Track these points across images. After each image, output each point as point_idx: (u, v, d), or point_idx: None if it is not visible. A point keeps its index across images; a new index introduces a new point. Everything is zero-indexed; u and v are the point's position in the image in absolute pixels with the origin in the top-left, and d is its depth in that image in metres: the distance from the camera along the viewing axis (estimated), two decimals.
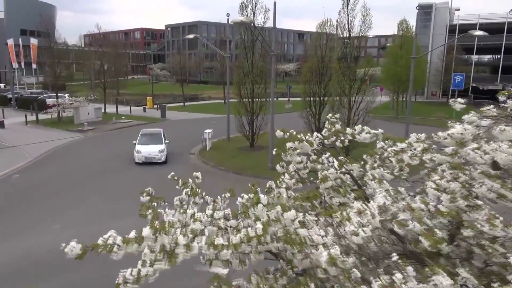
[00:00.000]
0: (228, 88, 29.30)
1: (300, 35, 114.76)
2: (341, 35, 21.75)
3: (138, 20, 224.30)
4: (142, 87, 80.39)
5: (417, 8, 65.31)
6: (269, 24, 24.78)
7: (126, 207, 15.73)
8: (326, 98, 27.30)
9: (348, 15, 21.31)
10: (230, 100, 29.21)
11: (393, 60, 39.28)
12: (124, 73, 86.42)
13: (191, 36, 27.43)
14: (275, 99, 25.74)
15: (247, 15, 24.13)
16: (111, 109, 44.43)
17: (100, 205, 16.23)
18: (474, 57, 64.83)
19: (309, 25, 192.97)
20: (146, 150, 22.61)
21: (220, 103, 55.59)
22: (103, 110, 41.82)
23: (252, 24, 17.50)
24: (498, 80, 60.02)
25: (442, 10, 63.42)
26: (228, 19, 28.37)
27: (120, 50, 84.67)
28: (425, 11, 66.56)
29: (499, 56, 74.40)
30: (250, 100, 25.10)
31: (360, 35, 21.42)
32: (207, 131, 26.12)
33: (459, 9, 68.41)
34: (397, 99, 40.62)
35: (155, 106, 48.36)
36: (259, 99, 25.12)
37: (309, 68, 27.15)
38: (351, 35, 21.58)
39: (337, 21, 21.50)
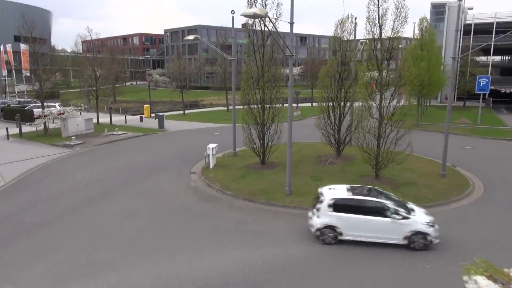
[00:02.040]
0: (234, 95, 25.70)
1: (303, 38, 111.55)
2: (371, 32, 18.17)
3: (137, 26, 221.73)
4: (140, 94, 77.07)
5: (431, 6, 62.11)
6: (281, 21, 21.29)
7: (107, 256, 12.05)
8: (347, 105, 23.73)
9: (379, 7, 17.74)
10: (236, 107, 25.62)
11: (413, 62, 35.66)
12: (121, 79, 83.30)
13: (191, 37, 23.85)
14: (281, 105, 22.02)
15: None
16: (104, 119, 40.86)
17: (73, 256, 12.52)
18: (491, 58, 61.29)
19: (311, 29, 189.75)
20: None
21: (223, 111, 52.09)
22: (95, 121, 38.26)
23: (267, 17, 13.88)
24: None
25: (455, 9, 59.86)
26: (233, 17, 24.91)
27: (117, 55, 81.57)
28: (437, 11, 63.24)
29: (509, 57, 71.14)
30: (260, 108, 21.46)
31: (393, 32, 17.82)
32: (211, 146, 22.49)
33: (472, 8, 64.94)
34: (417, 104, 37.10)
35: (152, 115, 44.83)
36: (271, 106, 21.49)
37: (327, 72, 23.60)
38: (382, 32, 18.00)
39: (367, 15, 17.91)
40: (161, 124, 37.25)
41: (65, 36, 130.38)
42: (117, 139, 31.95)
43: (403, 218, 12.63)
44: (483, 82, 39.16)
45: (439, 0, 61.62)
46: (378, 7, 17.83)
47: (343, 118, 23.81)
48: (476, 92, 40.08)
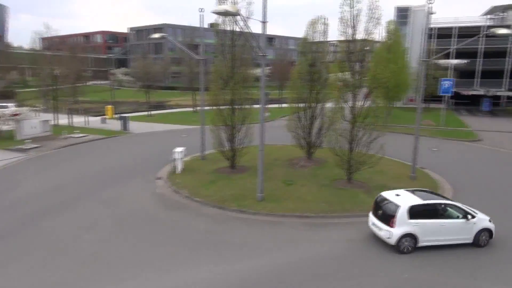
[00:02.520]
0: (203, 96, 24.74)
1: (270, 39, 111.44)
2: (344, 33, 17.78)
3: (101, 24, 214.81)
4: (103, 94, 74.20)
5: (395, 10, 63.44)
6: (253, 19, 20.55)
7: (61, 278, 10.83)
8: (318, 108, 23.35)
9: (352, 8, 17.37)
10: (204, 108, 24.68)
11: (376, 64, 35.99)
12: (83, 78, 79.86)
13: (157, 35, 22.74)
14: (249, 106, 21.20)
15: None
16: (64, 120, 38.65)
17: (23, 277, 11.24)
18: (453, 61, 63.30)
19: (277, 30, 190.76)
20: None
21: (190, 112, 50.85)
22: (53, 122, 36.07)
23: (239, 15, 13.11)
24: (477, 85, 58.60)
25: (419, 13, 61.61)
26: (201, 16, 23.89)
27: (78, 53, 78.15)
28: (401, 14, 64.75)
29: (465, 61, 73.98)
30: (230, 109, 20.63)
31: (366, 34, 17.52)
32: (178, 150, 21.44)
33: (435, 13, 66.81)
34: (384, 106, 37.52)
35: (116, 116, 42.92)
36: (241, 107, 20.71)
37: (298, 73, 23.17)
38: (356, 33, 17.67)
39: (340, 16, 17.51)
40: (125, 126, 35.62)
41: (25, 33, 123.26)
42: (77, 142, 30.14)
43: (473, 217, 12.94)
44: (446, 85, 40.14)
45: (403, 4, 63.08)
46: (351, 8, 17.47)
47: (314, 121, 23.44)
48: (440, 94, 41.01)
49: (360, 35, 17.77)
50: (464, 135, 34.84)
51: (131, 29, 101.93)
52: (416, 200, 12.90)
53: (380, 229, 12.85)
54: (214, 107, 21.15)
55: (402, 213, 12.38)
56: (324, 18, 22.67)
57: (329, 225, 14.65)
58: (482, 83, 58.49)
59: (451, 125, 40.11)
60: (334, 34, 22.21)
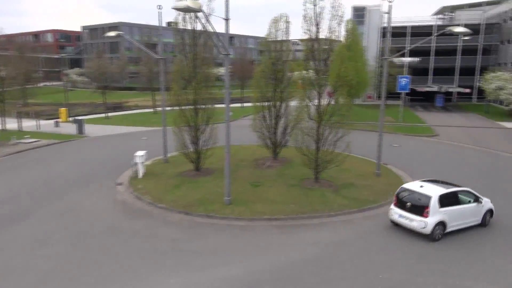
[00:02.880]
0: (164, 96, 23.79)
1: (229, 38, 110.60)
2: (308, 31, 17.58)
3: (52, 23, 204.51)
4: (56, 96, 70.68)
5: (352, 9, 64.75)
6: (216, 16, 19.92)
7: None
8: (283, 107, 23.10)
9: (315, 5, 17.19)
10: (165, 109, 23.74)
11: (341, 63, 36.41)
12: (33, 80, 75.62)
13: (112, 33, 21.47)
14: (212, 106, 20.55)
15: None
16: (12, 124, 36.11)
17: None
18: (407, 59, 65.55)
19: (236, 29, 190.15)
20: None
21: (150, 113, 49.25)
22: (0, 127, 33.57)
23: (201, 12, 12.47)
24: (430, 82, 61.02)
25: (374, 13, 63.31)
26: (159, 13, 22.93)
27: (27, 53, 73.78)
28: (357, 14, 66.18)
29: (418, 59, 77.08)
30: (193, 109, 19.88)
31: (330, 31, 17.42)
32: (139, 153, 20.41)
33: (387, 13, 69.03)
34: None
35: (70, 119, 40.70)
36: (205, 107, 20.03)
37: (262, 72, 22.80)
38: (319, 31, 17.51)
39: (303, 13, 17.27)
40: (80, 130, 33.75)
41: None
42: (27, 148, 28.16)
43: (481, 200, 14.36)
44: (403, 82, 41.31)
45: (359, 3, 64.48)
46: (314, 6, 17.28)
47: (279, 120, 23.16)
48: (397, 91, 42.15)
49: (323, 33, 17.66)
50: (422, 130, 35.96)
51: (85, 27, 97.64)
52: (441, 189, 13.69)
53: (412, 220, 13.35)
54: (176, 108, 20.34)
55: (434, 203, 13.08)
56: (286, 16, 22.46)
57: (300, 227, 14.34)
58: (434, 80, 61.00)
59: (409, 121, 41.32)
60: (296, 33, 22.09)
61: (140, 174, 20.37)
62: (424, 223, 13.01)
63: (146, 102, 59.62)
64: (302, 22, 17.58)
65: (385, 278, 10.86)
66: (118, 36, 21.74)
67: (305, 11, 17.49)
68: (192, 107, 20.01)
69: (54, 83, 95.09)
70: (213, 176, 20.11)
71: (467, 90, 53.66)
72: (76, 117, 37.57)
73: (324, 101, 18.18)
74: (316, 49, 17.83)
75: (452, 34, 18.80)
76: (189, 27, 19.19)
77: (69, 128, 35.90)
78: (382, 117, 21.34)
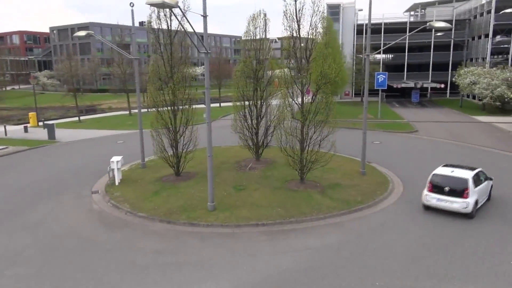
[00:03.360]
0: (139, 98, 22.76)
1: (202, 36, 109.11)
2: (289, 27, 17.04)
3: (18, 23, 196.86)
4: (24, 100, 67.78)
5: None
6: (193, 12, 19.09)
7: None
8: (264, 107, 22.51)
9: (296, 1, 16.66)
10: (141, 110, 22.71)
11: (324, 60, 36.16)
12: (0, 83, 72.42)
13: (82, 33, 20.26)
14: (191, 106, 19.61)
15: None
16: None
17: None
18: (382, 56, 66.27)
19: (211, 28, 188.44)
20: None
21: (125, 115, 47.73)
22: None
23: (177, 8, 11.66)
24: (405, 78, 61.80)
25: (349, 10, 63.57)
26: (132, 11, 21.85)
27: None
28: (332, 11, 66.32)
29: (391, 56, 78.21)
30: (171, 112, 18.98)
31: (312, 28, 16.96)
32: (115, 159, 19.36)
33: (362, 10, 70.39)
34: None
35: (41, 124, 38.86)
36: (183, 108, 19.14)
37: (241, 72, 22.12)
38: (300, 28, 17.00)
39: (283, 9, 16.73)
40: (51, 135, 32.12)
41: None
42: None
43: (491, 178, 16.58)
44: (381, 79, 41.45)
45: (334, 1, 64.62)
46: (295, 1, 16.74)
47: (261, 120, 22.54)
48: (375, 88, 42.21)
49: (305, 30, 17.17)
50: (402, 127, 36.09)
51: (53, 28, 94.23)
52: (471, 172, 15.20)
53: (453, 202, 14.53)
54: (153, 110, 19.38)
55: (471, 184, 14.50)
56: (265, 13, 21.86)
57: (289, 233, 13.74)
58: (409, 76, 61.84)
59: (387, 117, 41.50)
60: (274, 31, 21.62)
61: (117, 180, 19.34)
62: (466, 204, 14.27)
63: (121, 104, 57.99)
64: (282, 19, 17.04)
65: (382, 285, 10.38)
66: (88, 35, 20.57)
67: (286, 7, 16.94)
68: (170, 108, 19.12)
69: (23, 86, 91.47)
70: (194, 181, 19.28)
71: (442, 86, 54.49)
72: (47, 122, 35.87)
73: (307, 99, 17.67)
74: (297, 46, 17.31)
75: (433, 29, 18.62)
76: (164, 25, 18.28)
77: (40, 134, 34.18)
78: (365, 116, 21.06)
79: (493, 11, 50.62)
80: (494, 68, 44.59)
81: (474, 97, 54.22)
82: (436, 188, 15.01)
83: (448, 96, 60.44)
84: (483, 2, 55.32)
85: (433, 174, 15.50)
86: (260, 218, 14.70)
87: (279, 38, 18.23)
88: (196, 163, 20.56)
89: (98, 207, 16.70)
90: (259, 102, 22.24)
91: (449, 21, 60.53)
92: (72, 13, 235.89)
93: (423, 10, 73.71)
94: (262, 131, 22.54)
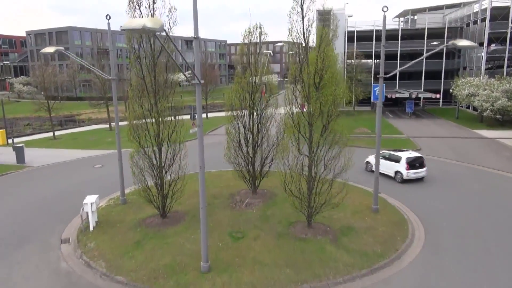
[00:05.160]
0: (117, 119, 19.67)
1: (188, 42, 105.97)
2: (294, 44, 14.59)
3: None
4: None
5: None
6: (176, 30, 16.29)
7: None
8: (262, 132, 19.80)
9: (303, 18, 14.16)
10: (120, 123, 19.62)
11: (332, 87, 33.90)
12: None
13: (50, 49, 17.24)
14: (173, 118, 16.50)
15: (141, 15, 15.24)
16: None
17: None
18: (369, 61, 64.32)
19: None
20: None
21: (105, 129, 44.43)
22: None
23: (165, 33, 8.94)
24: (397, 87, 60.08)
25: (339, 17, 61.46)
26: (108, 24, 18.95)
27: None
28: (322, 18, 64.26)
29: (377, 61, 76.85)
30: (155, 142, 16.09)
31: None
32: (89, 200, 16.41)
33: (351, 16, 68.61)
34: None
35: (10, 141, 35.31)
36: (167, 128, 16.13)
37: (237, 90, 19.37)
38: (308, 46, 14.55)
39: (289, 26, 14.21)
40: (20, 158, 28.57)
41: None
42: None
43: None
44: (378, 91, 39.19)
45: (324, 7, 62.49)
46: (303, 18, 14.26)
47: (258, 148, 19.84)
48: (372, 100, 40.06)
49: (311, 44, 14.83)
50: (403, 144, 33.82)
51: (29, 32, 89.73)
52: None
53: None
54: (132, 138, 16.32)
55: None
56: (261, 27, 19.32)
57: None
58: (401, 85, 60.13)
59: (385, 132, 39.30)
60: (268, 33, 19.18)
61: (91, 225, 16.41)
62: None
63: (100, 115, 54.56)
64: (288, 37, 14.50)
65: None
66: (56, 52, 17.52)
67: (291, 25, 14.40)
68: (154, 143, 16.16)
69: None
70: (183, 225, 16.46)
71: (437, 96, 52.91)
72: (16, 142, 32.43)
73: (317, 133, 15.11)
74: (304, 70, 14.79)
75: (456, 47, 16.39)
76: (145, 44, 15.50)
77: (7, 156, 30.46)
78: (378, 148, 18.74)
79: (487, 19, 49.19)
80: (492, 79, 43.00)
81: (468, 107, 52.72)
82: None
83: (441, 105, 58.90)
84: (476, 10, 53.94)
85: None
86: (266, 283, 12.04)
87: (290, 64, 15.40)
88: (184, 198, 17.61)
89: (66, 266, 13.74)
90: (256, 127, 19.58)
91: (441, 28, 59.31)
92: (53, 15, 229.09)
93: (413, 16, 72.39)
94: (259, 160, 19.87)
